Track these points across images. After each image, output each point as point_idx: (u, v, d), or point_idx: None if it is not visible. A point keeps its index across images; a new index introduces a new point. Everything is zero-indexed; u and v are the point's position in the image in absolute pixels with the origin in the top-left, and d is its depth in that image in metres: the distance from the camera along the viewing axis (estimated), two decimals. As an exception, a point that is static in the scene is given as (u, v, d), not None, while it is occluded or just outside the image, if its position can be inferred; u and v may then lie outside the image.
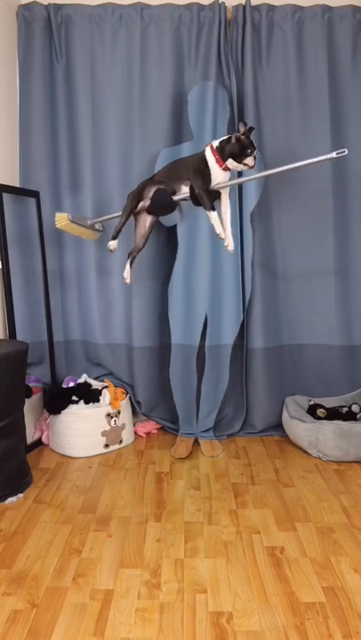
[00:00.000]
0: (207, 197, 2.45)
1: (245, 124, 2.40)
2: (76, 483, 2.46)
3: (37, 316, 3.04)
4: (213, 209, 2.44)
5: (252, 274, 2.93)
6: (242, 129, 2.39)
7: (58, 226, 2.81)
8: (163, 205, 2.59)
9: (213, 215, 2.44)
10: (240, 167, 2.44)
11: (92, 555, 1.88)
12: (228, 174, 2.50)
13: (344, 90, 2.97)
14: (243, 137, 2.40)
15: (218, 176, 2.48)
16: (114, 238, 2.65)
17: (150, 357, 3.06)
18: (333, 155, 2.25)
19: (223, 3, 2.88)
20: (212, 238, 2.84)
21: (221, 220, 2.50)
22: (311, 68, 2.93)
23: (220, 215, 2.50)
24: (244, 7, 2.87)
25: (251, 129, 2.39)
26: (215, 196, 2.53)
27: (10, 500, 2.27)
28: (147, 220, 2.69)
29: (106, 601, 1.63)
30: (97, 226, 2.89)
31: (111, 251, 2.68)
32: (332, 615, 1.57)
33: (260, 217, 2.92)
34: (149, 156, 2.92)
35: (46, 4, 2.91)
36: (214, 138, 2.87)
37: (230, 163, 2.44)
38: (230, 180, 2.54)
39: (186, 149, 2.89)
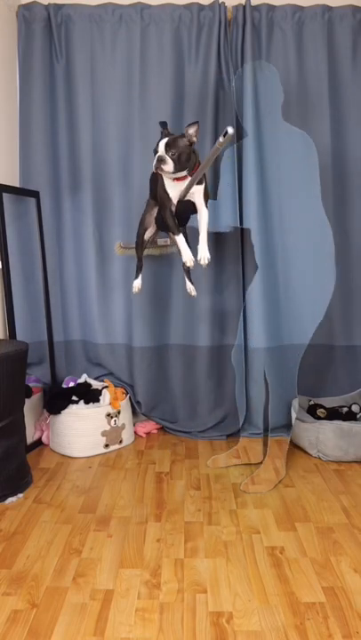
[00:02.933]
0: (172, 220, 2.31)
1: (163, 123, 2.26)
2: (76, 483, 2.45)
3: (37, 316, 3.04)
4: (179, 232, 2.31)
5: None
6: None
7: (118, 254, 2.92)
8: (170, 226, 2.43)
9: (179, 240, 2.30)
10: (166, 175, 2.25)
11: (92, 555, 1.88)
12: (185, 181, 2.28)
13: (344, 90, 2.97)
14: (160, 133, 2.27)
15: (172, 188, 2.30)
16: (136, 277, 2.60)
17: (150, 357, 3.06)
18: (220, 139, 1.89)
19: (223, 3, 2.88)
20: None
21: (199, 231, 2.33)
22: (311, 68, 2.93)
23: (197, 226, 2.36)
24: (244, 7, 2.87)
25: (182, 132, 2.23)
26: (190, 207, 2.35)
27: (10, 500, 2.27)
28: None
29: (106, 601, 1.63)
30: (159, 241, 2.79)
31: (136, 292, 2.61)
32: (332, 615, 1.57)
33: (261, 218, 2.91)
34: (149, 156, 2.91)
35: (46, 4, 2.91)
36: (271, 130, 2.81)
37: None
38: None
39: (245, 147, 2.82)
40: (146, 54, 2.90)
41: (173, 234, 2.33)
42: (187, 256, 2.30)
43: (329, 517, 2.12)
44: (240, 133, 2.90)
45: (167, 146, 2.20)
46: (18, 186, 3.00)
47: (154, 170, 2.25)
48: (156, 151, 2.23)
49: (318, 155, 2.91)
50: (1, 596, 1.66)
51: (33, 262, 3.00)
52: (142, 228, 2.57)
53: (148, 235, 2.58)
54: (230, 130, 1.82)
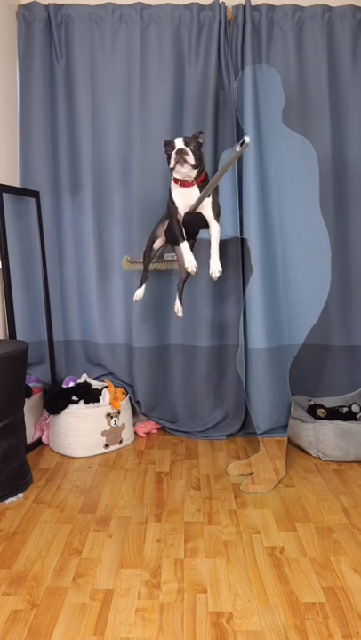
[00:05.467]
0: (178, 229, 2.35)
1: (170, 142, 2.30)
2: (76, 483, 2.46)
3: (37, 315, 3.04)
4: (183, 240, 2.35)
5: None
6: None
7: (124, 269, 2.90)
8: (175, 234, 2.46)
9: (183, 247, 2.34)
10: (180, 173, 2.28)
11: (92, 555, 1.88)
12: (192, 189, 2.32)
13: (344, 90, 2.96)
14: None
15: (179, 196, 2.34)
16: (140, 286, 2.61)
17: (150, 357, 3.06)
18: (237, 148, 1.89)
19: (223, 3, 2.88)
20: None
21: (211, 245, 2.36)
22: (311, 67, 2.93)
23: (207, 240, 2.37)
24: (244, 7, 2.87)
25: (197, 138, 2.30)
26: (201, 223, 2.38)
27: (10, 499, 2.27)
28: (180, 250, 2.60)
29: (106, 601, 1.63)
30: (167, 256, 2.80)
31: (136, 300, 2.63)
32: (332, 615, 1.57)
33: (261, 220, 2.91)
34: (149, 156, 2.92)
35: (46, 3, 2.91)
36: (271, 135, 2.81)
37: (174, 174, 2.30)
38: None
39: (244, 151, 2.82)
40: (146, 54, 2.90)
41: (178, 241, 2.34)
42: (189, 261, 2.32)
43: (329, 517, 2.12)
44: (239, 132, 2.90)
45: (185, 141, 2.25)
46: (18, 186, 3.00)
47: (173, 163, 2.26)
48: (169, 150, 2.27)
49: (318, 155, 2.91)
50: (1, 596, 1.66)
51: (33, 262, 3.00)
52: (152, 238, 2.59)
53: (157, 245, 2.59)
54: (247, 138, 1.82)
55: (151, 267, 2.72)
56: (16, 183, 3.00)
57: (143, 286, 2.62)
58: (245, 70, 2.81)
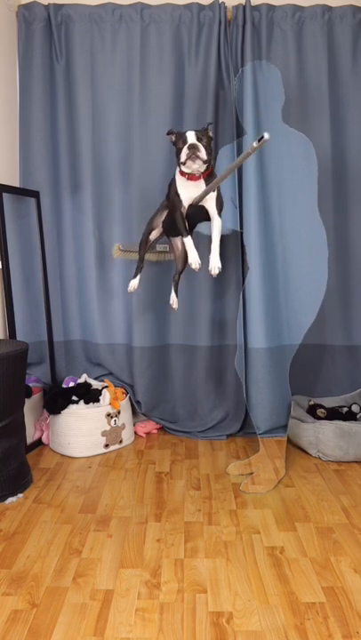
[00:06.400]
0: (181, 222, 2.32)
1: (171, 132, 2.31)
2: (76, 483, 2.46)
3: (37, 315, 3.04)
4: (188, 235, 2.32)
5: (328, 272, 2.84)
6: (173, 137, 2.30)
7: (115, 256, 2.86)
8: (179, 228, 2.44)
9: (187, 242, 2.32)
10: (190, 168, 2.26)
11: (92, 555, 1.88)
12: (198, 183, 2.30)
13: (344, 90, 2.97)
14: (173, 137, 2.31)
15: (185, 189, 2.32)
16: (134, 276, 2.59)
17: (150, 357, 3.06)
18: (255, 144, 1.87)
19: (223, 3, 2.88)
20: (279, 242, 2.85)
21: (212, 240, 2.34)
22: (311, 68, 2.93)
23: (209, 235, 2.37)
24: (244, 7, 2.87)
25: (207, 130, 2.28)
26: (202, 215, 2.37)
27: (10, 499, 2.27)
28: (177, 242, 2.60)
29: (106, 601, 1.63)
30: (159, 247, 2.80)
31: (130, 291, 2.61)
32: (332, 615, 1.57)
33: (261, 219, 2.91)
34: (149, 156, 2.92)
35: (46, 3, 2.91)
36: (271, 132, 2.81)
37: (183, 168, 2.28)
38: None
39: (245, 148, 2.81)
40: (146, 54, 2.90)
41: (182, 236, 2.33)
42: (193, 258, 2.29)
43: (329, 517, 2.12)
44: (239, 132, 2.90)
45: (197, 136, 2.23)
46: (18, 186, 3.00)
47: (185, 159, 2.24)
48: (180, 144, 2.25)
49: (318, 155, 2.92)
50: (1, 596, 1.66)
51: (33, 262, 3.00)
52: (149, 228, 2.58)
53: (153, 236, 2.58)
54: (266, 135, 1.79)
55: (136, 255, 2.71)
56: (16, 183, 3.00)
57: (138, 277, 2.60)
58: (245, 68, 2.81)
